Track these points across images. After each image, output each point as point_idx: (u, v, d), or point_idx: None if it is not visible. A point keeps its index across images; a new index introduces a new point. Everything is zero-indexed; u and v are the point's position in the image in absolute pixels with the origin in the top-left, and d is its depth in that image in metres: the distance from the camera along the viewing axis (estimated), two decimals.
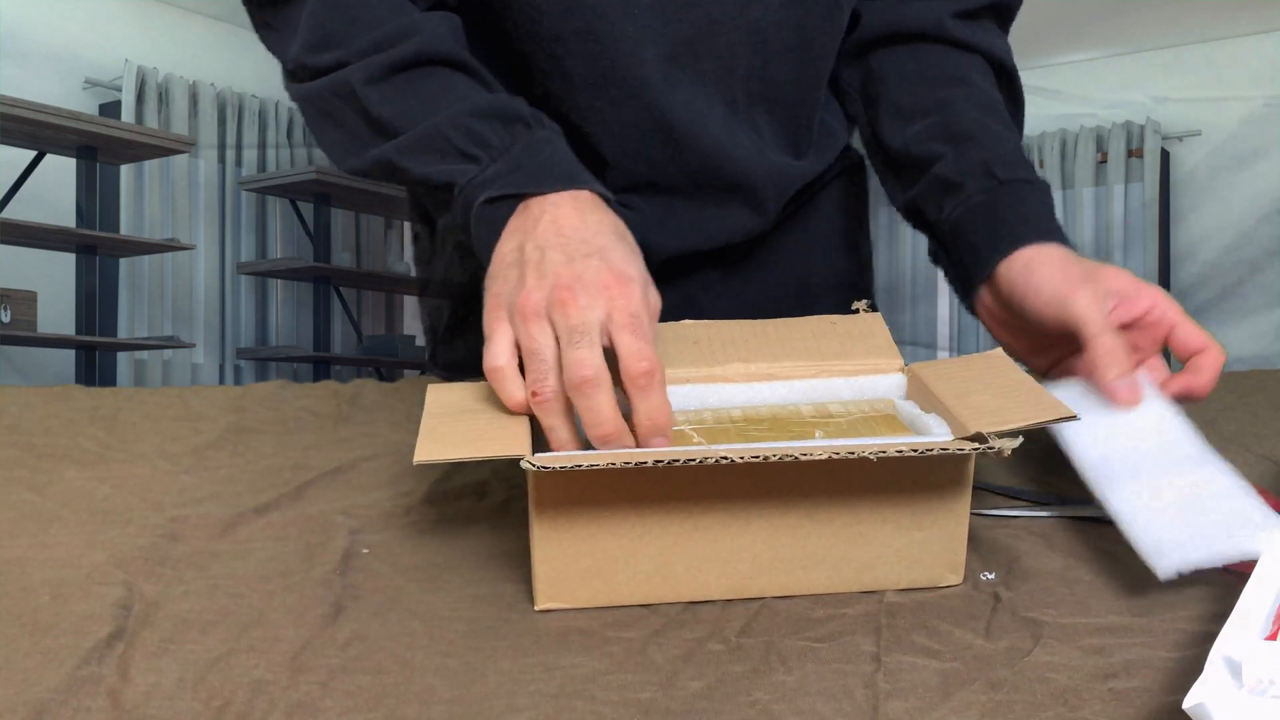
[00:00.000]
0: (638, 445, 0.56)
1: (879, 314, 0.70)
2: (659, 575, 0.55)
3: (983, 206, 0.78)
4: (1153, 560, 0.53)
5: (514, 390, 0.58)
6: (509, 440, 0.55)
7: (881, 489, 0.55)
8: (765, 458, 0.51)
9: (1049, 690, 0.47)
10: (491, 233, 0.66)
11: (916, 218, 0.84)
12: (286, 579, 0.58)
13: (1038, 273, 0.71)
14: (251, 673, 0.49)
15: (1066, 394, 0.67)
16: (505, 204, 0.66)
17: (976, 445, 0.52)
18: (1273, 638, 0.43)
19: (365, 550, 0.62)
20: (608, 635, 0.52)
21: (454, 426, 0.57)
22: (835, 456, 0.51)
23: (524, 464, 0.50)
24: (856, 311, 0.70)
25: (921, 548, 0.56)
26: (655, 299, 0.62)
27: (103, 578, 0.58)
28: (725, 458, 0.50)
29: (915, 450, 0.51)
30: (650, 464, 0.50)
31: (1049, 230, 0.75)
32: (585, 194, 0.65)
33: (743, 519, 0.54)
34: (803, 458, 0.51)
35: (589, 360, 0.56)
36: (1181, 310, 0.70)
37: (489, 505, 0.69)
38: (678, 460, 0.50)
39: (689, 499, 0.54)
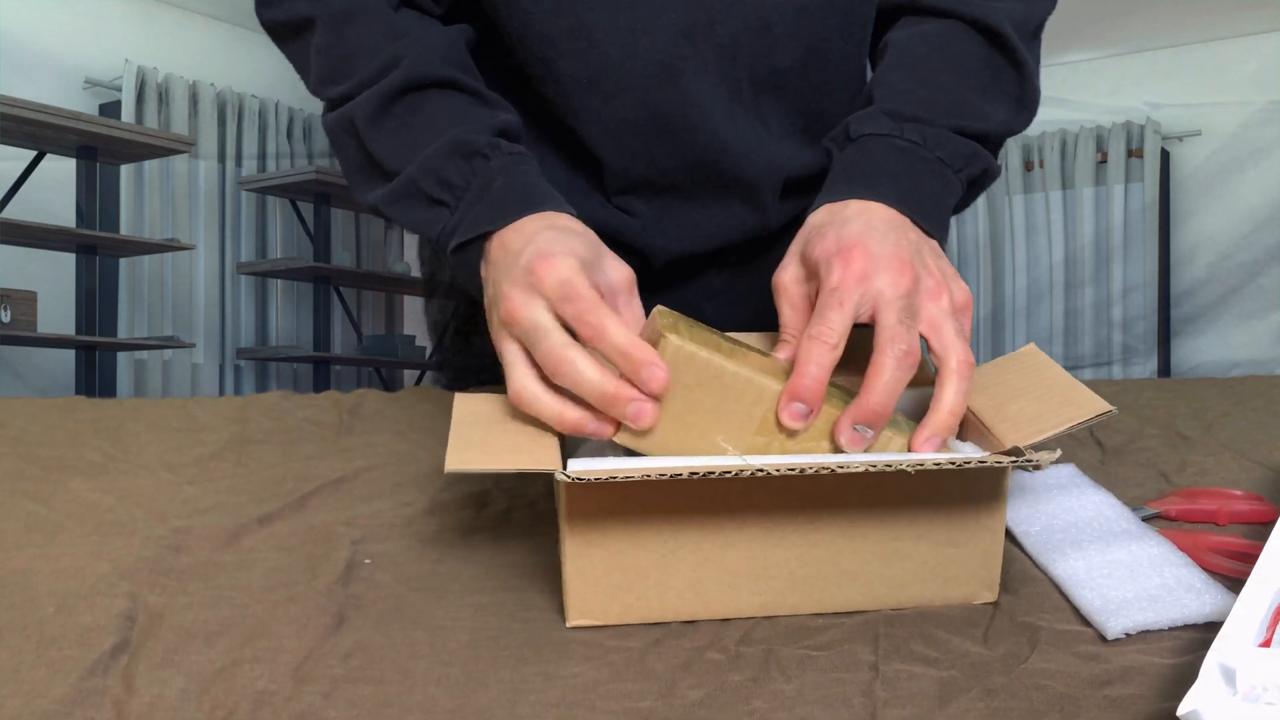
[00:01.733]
0: (632, 383, 0.55)
1: None
2: (691, 592, 0.54)
3: (832, 170, 0.74)
4: (1100, 619, 0.53)
5: (543, 409, 0.58)
6: (540, 453, 0.55)
7: (917, 505, 0.55)
8: (801, 470, 0.50)
9: (1046, 697, 0.47)
10: (470, 276, 0.68)
11: None
12: (289, 589, 0.59)
13: (791, 248, 0.67)
14: (255, 683, 0.49)
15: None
16: (473, 248, 0.67)
17: (1014, 459, 0.52)
18: (1266, 645, 0.43)
19: (367, 560, 0.62)
20: (608, 645, 0.53)
21: (483, 437, 0.57)
22: (872, 470, 0.51)
23: (558, 476, 0.50)
24: None
25: (957, 565, 0.55)
26: (614, 272, 0.62)
27: (107, 589, 0.58)
28: (761, 470, 0.50)
29: (953, 463, 0.51)
30: (685, 475, 0.50)
31: (864, 184, 0.68)
32: (536, 217, 0.66)
33: (777, 535, 0.54)
34: (839, 470, 0.50)
35: (552, 349, 0.57)
36: (851, 272, 0.59)
37: (490, 515, 0.69)
38: (713, 472, 0.50)
39: (722, 514, 0.53)
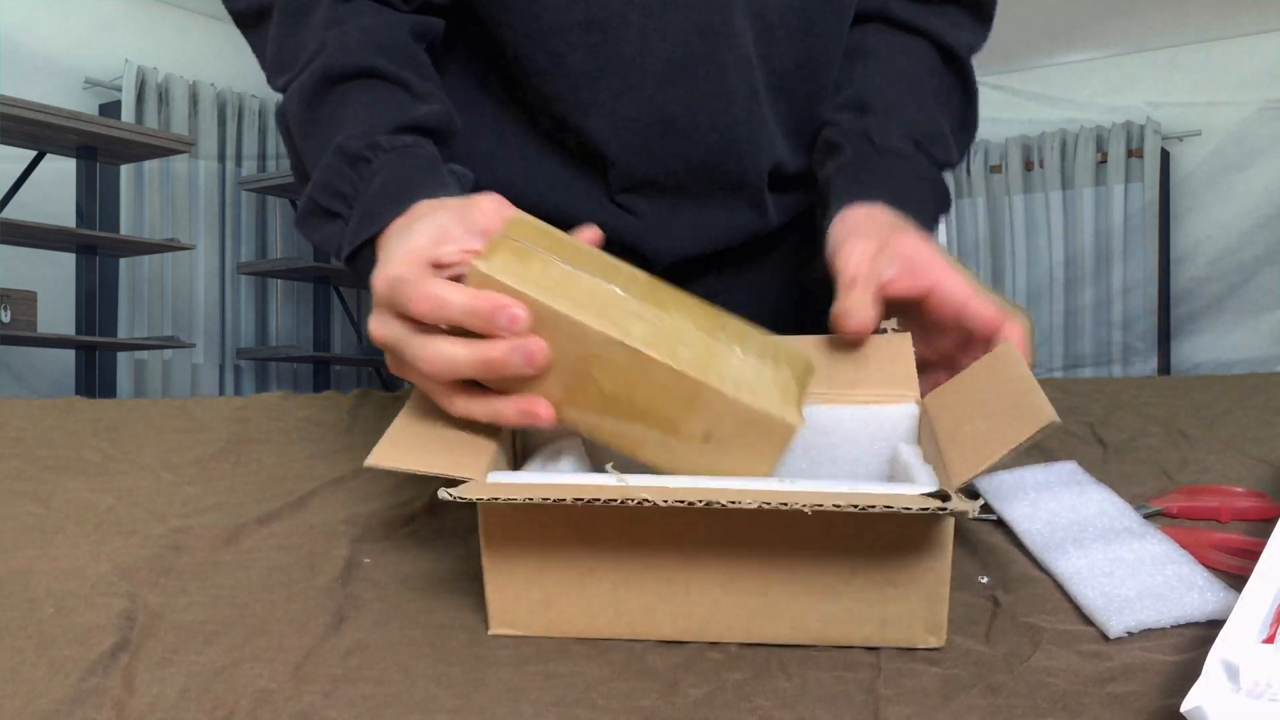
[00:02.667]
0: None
1: (908, 335, 0.66)
2: (613, 611, 0.52)
3: (851, 167, 0.78)
4: (1102, 618, 0.53)
5: (477, 412, 0.55)
6: (466, 459, 0.53)
7: (848, 540, 0.51)
8: (690, 503, 0.48)
9: (1048, 695, 0.47)
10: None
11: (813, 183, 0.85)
12: (289, 588, 0.59)
13: (840, 226, 0.71)
14: (255, 682, 0.49)
15: (1005, 480, 0.68)
16: (364, 258, 0.65)
17: (926, 506, 0.47)
18: (1270, 640, 0.43)
19: (367, 559, 0.62)
20: (608, 643, 0.52)
21: (420, 433, 0.55)
22: (766, 507, 0.47)
23: (441, 493, 0.49)
24: (884, 331, 0.66)
25: (897, 605, 0.51)
26: (482, 216, 0.58)
27: (107, 589, 0.58)
28: (646, 500, 0.48)
29: (856, 506, 0.47)
30: (569, 501, 0.48)
31: (898, 198, 0.73)
32: (401, 217, 0.63)
33: (698, 561, 0.51)
34: (730, 505, 0.48)
35: (416, 352, 0.54)
36: (970, 283, 0.64)
37: None
38: (598, 499, 0.48)
39: (640, 535, 0.51)
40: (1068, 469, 0.70)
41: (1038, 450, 0.78)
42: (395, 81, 0.71)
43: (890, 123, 0.79)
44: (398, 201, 0.64)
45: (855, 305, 0.63)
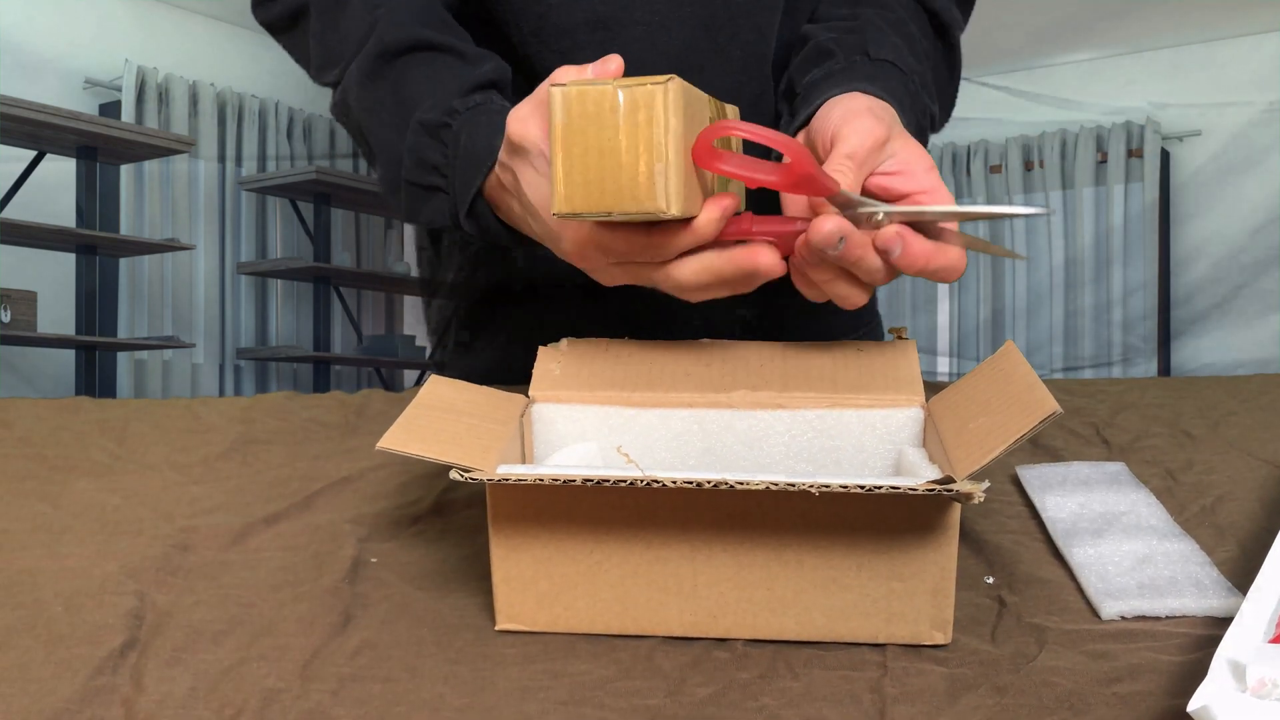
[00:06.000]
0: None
1: (913, 341, 0.67)
2: (619, 605, 0.53)
3: (845, 73, 0.74)
4: (1098, 600, 0.54)
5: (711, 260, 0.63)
6: (475, 451, 0.54)
7: (855, 533, 0.51)
8: (699, 483, 0.48)
9: (1054, 694, 0.47)
10: (498, 236, 0.70)
11: (788, 88, 0.81)
12: (296, 588, 0.59)
13: (845, 103, 0.67)
14: (263, 681, 0.50)
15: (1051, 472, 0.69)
16: (479, 210, 0.69)
17: (933, 488, 0.48)
18: (1276, 640, 0.43)
19: (373, 559, 0.63)
20: (615, 642, 0.53)
21: (433, 422, 0.56)
22: (773, 488, 0.48)
23: (453, 474, 0.50)
24: (892, 337, 0.68)
25: (903, 600, 0.52)
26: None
27: (115, 588, 0.59)
28: (656, 481, 0.48)
29: (862, 488, 0.48)
30: (579, 482, 0.49)
31: (896, 102, 0.70)
32: (500, 151, 0.66)
33: (705, 554, 0.52)
34: (738, 487, 0.48)
35: None
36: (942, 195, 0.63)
37: None
38: (608, 480, 0.49)
39: (648, 528, 0.52)
40: (1115, 468, 0.71)
41: (1048, 452, 0.78)
42: (447, 50, 0.74)
43: (884, 45, 0.75)
44: (489, 150, 0.67)
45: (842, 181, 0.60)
